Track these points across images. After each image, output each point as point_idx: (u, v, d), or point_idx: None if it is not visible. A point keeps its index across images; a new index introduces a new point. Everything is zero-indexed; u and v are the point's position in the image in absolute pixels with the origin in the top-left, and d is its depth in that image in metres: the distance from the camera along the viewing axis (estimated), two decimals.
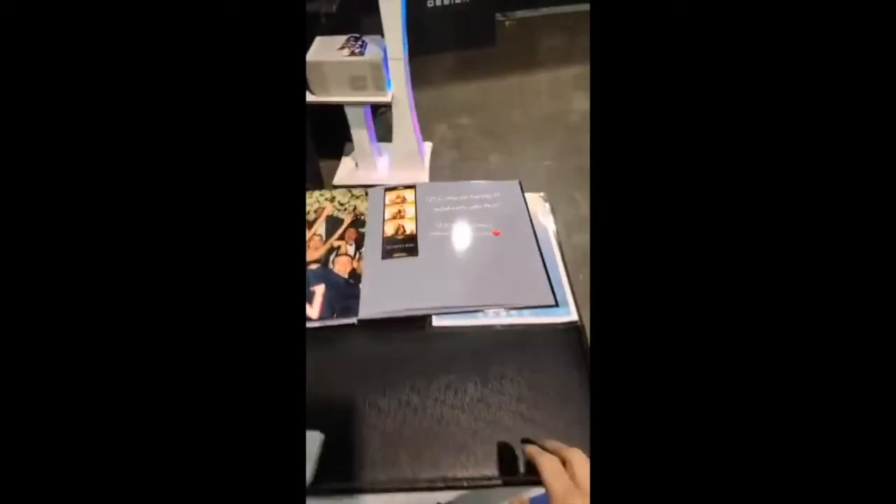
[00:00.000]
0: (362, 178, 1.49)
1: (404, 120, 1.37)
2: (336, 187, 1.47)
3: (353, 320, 0.51)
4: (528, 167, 1.48)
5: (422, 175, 1.46)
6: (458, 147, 1.59)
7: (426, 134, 1.55)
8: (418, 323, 0.50)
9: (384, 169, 1.51)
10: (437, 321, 0.50)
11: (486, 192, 0.66)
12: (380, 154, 1.51)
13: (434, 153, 1.56)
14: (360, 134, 1.41)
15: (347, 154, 1.56)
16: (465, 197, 0.65)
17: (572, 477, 0.29)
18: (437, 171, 1.49)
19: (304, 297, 0.52)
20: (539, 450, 0.33)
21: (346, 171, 1.51)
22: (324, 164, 1.50)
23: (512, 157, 1.54)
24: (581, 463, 0.30)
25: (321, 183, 1.45)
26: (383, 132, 1.52)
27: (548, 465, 0.30)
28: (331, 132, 1.49)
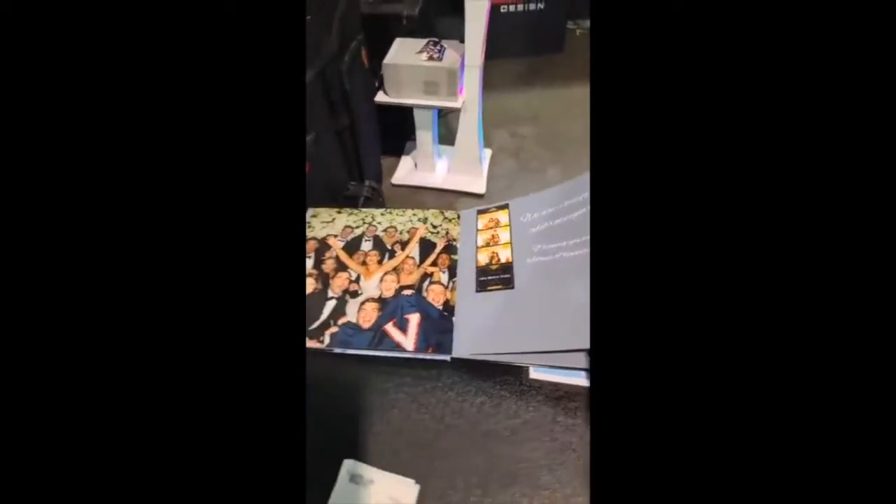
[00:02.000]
0: (420, 179, 1.49)
1: (470, 126, 1.36)
2: (395, 186, 1.48)
3: (447, 357, 0.51)
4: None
5: (479, 181, 1.46)
6: (516, 156, 1.58)
7: (486, 140, 1.54)
8: (514, 371, 0.50)
9: (442, 172, 1.50)
10: (534, 373, 0.50)
11: (578, 192, 0.62)
12: (439, 157, 1.51)
13: (492, 161, 1.54)
14: (425, 135, 1.40)
15: (408, 153, 1.56)
16: (563, 204, 0.62)
17: None
18: (495, 180, 1.48)
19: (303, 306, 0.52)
20: None
21: (404, 170, 1.52)
22: (384, 161, 1.50)
23: (570, 169, 1.52)
24: None
25: (380, 179, 1.45)
26: (443, 133, 1.52)
27: None
28: (394, 130, 1.49)
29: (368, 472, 0.43)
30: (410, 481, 0.43)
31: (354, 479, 0.43)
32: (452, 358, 0.51)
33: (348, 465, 0.44)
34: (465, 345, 0.51)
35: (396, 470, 0.44)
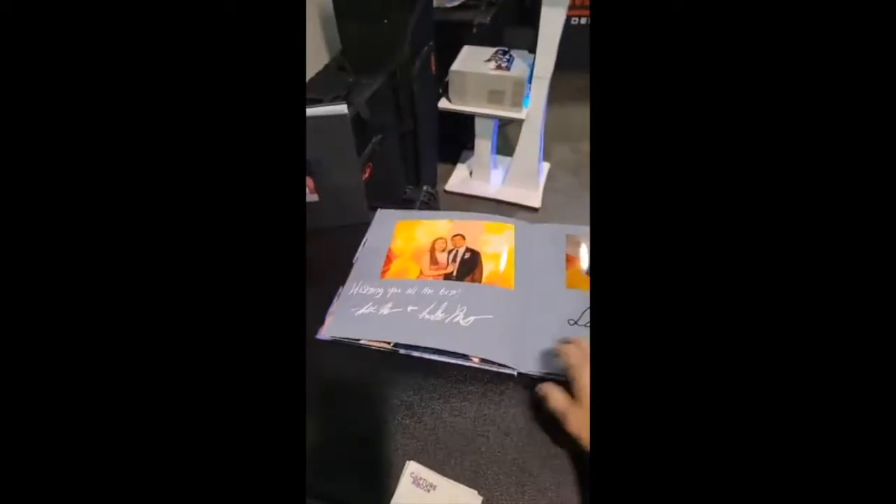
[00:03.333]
0: (474, 188, 1.49)
1: (532, 138, 1.34)
2: (448, 193, 1.48)
3: (514, 372, 0.49)
4: None
5: (535, 195, 1.44)
6: (576, 173, 1.55)
7: (545, 154, 1.52)
8: None
9: (497, 183, 1.49)
10: None
11: None
12: (495, 167, 1.50)
13: (550, 175, 1.52)
14: (483, 145, 1.40)
15: (463, 161, 1.56)
16: None
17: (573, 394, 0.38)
18: (551, 195, 1.45)
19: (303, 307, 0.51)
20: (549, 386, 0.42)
21: (459, 178, 1.52)
22: (437, 168, 1.51)
23: None
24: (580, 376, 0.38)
25: (435, 185, 1.46)
26: (500, 144, 1.51)
27: (552, 393, 0.41)
28: (449, 138, 1.50)
29: (431, 476, 0.42)
30: (474, 492, 0.41)
31: (417, 481, 0.42)
32: (519, 373, 0.49)
33: (412, 466, 0.43)
34: (531, 361, 0.50)
35: (459, 479, 0.42)
